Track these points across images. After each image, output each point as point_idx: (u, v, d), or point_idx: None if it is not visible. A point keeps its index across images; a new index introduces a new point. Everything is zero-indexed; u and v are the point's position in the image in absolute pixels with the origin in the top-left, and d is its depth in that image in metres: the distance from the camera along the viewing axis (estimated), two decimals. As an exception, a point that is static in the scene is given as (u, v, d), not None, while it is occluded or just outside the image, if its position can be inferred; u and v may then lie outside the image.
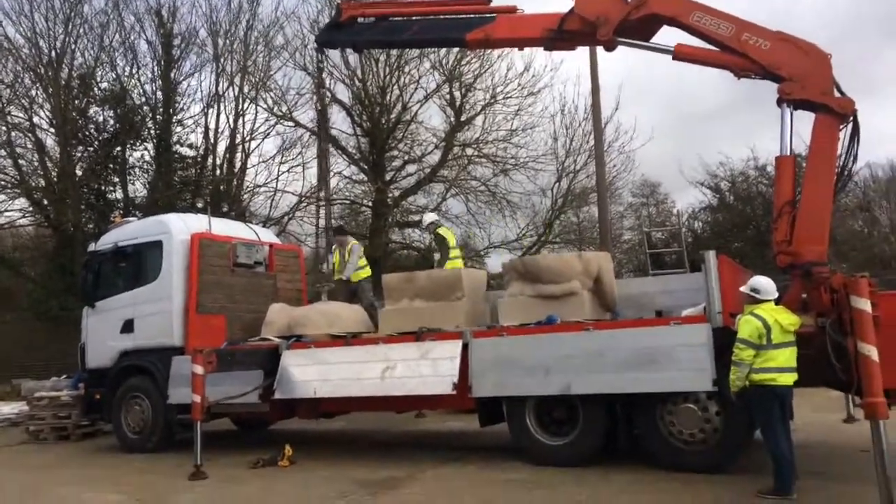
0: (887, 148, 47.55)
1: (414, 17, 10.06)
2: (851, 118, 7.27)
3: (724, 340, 6.89)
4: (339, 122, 23.41)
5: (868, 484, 5.77)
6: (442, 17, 10.02)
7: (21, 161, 20.91)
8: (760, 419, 6.30)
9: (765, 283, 6.38)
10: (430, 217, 11.94)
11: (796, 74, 7.32)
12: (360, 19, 10.38)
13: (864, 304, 6.00)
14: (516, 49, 10.60)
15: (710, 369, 6.85)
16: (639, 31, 8.30)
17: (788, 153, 7.42)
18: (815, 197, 7.14)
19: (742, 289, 6.49)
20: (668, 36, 8.28)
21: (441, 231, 11.41)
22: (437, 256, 11.19)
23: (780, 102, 7.48)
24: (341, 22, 10.38)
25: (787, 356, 6.17)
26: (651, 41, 8.41)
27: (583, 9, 8.39)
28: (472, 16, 9.56)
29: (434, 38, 10.70)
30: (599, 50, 16.70)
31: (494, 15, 9.25)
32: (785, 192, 7.30)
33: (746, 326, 6.17)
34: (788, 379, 6.18)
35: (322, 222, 12.70)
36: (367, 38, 10.75)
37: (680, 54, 8.00)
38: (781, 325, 6.17)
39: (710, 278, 7.06)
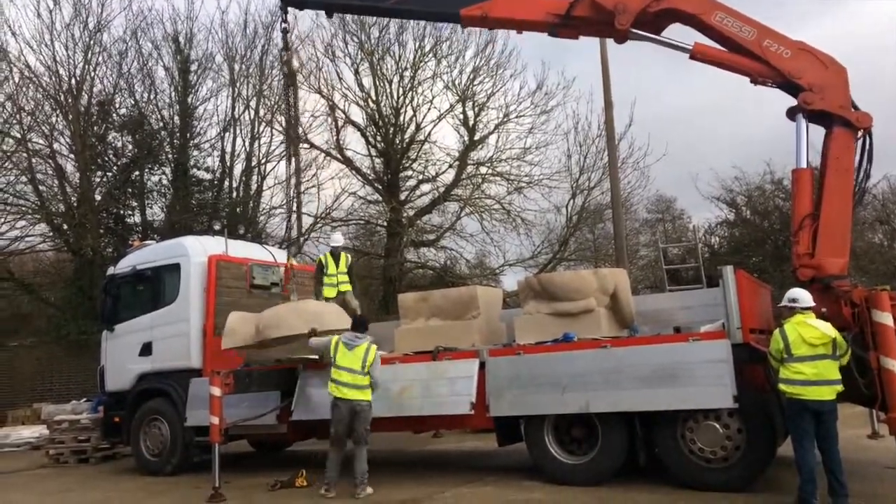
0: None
1: None
2: (866, 133, 7.24)
3: (743, 356, 6.83)
4: (354, 143, 23.61)
5: (893, 502, 5.65)
6: None
7: (41, 187, 21.21)
8: (791, 430, 6.29)
9: (801, 293, 6.40)
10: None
11: (816, 85, 7.29)
12: None
13: (887, 318, 5.95)
14: (515, 32, 9.28)
15: (730, 386, 6.76)
16: (649, 25, 8.11)
17: (805, 165, 7.38)
18: (836, 210, 7.09)
19: (782, 303, 6.51)
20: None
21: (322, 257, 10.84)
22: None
23: (795, 113, 7.46)
24: None
25: (818, 370, 6.06)
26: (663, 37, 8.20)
27: None
28: None
29: (422, 10, 9.85)
30: (612, 65, 16.94)
31: None
32: (804, 204, 7.25)
33: (772, 340, 6.33)
34: (818, 393, 6.05)
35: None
36: (342, 2, 9.95)
37: (698, 54, 7.84)
38: (804, 338, 6.11)
39: (728, 294, 6.99)
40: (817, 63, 7.39)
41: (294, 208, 11.41)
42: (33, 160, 20.96)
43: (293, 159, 11.06)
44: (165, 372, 10.71)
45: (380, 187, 21.88)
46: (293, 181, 11.02)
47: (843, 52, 7.56)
